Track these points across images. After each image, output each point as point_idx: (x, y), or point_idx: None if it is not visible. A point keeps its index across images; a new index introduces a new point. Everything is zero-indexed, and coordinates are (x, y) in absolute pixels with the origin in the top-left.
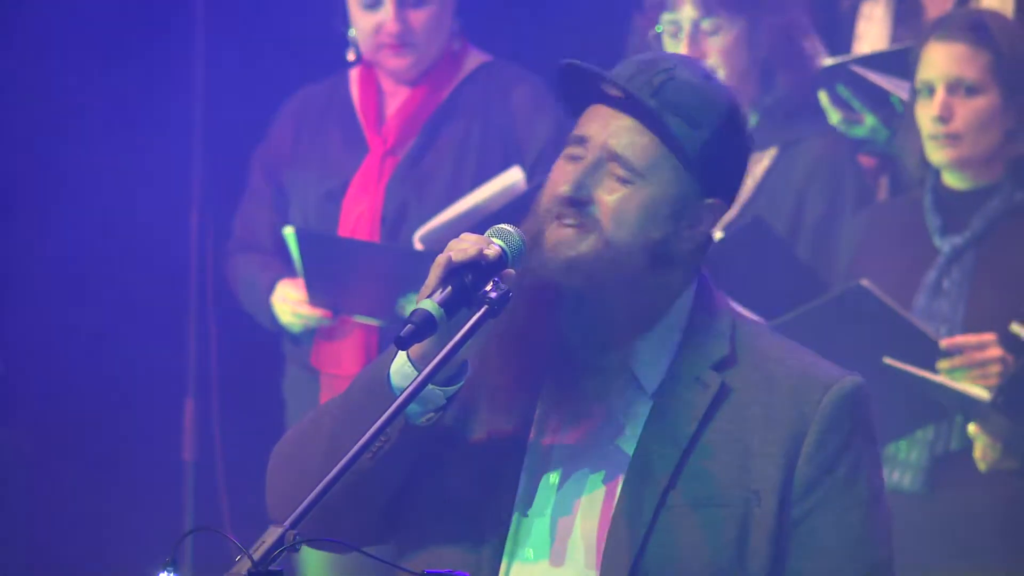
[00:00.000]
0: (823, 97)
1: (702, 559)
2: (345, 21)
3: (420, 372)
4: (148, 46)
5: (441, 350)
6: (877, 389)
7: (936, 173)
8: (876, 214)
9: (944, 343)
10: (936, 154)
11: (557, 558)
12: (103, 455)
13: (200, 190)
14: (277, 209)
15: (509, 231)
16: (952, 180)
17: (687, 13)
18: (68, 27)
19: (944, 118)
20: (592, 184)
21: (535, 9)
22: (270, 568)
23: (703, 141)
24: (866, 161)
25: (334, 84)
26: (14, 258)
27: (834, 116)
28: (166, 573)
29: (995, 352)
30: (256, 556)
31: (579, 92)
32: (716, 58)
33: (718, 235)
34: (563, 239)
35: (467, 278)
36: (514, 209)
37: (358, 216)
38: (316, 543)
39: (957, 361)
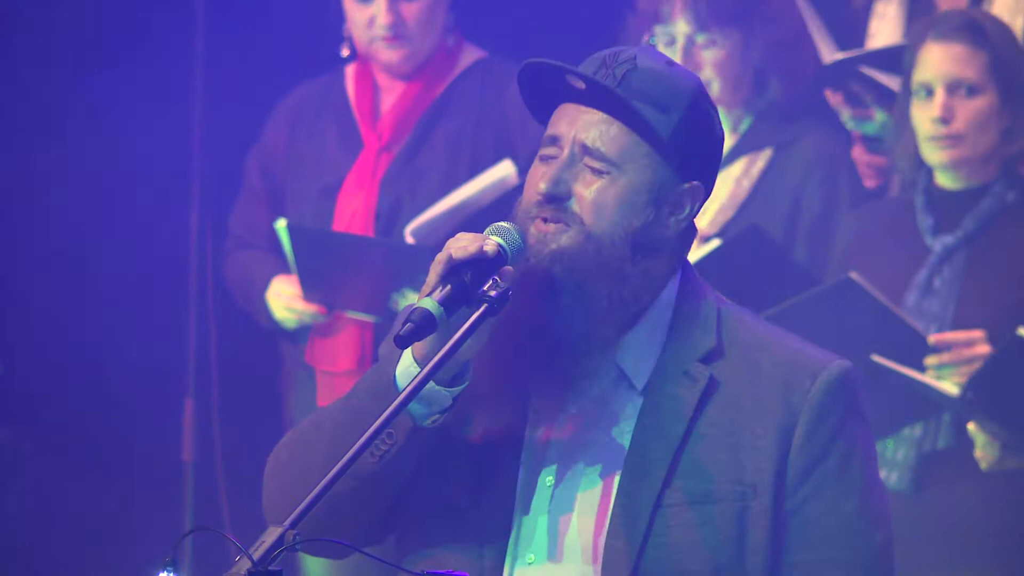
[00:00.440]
0: (831, 94)
1: (702, 557)
2: (340, 17)
3: (428, 375)
4: (148, 45)
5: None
6: (865, 385)
7: (929, 173)
8: (868, 213)
9: (932, 339)
10: (935, 155)
11: (557, 557)
12: (103, 455)
13: (200, 190)
14: (273, 207)
15: (508, 228)
16: (945, 180)
17: (681, 28)
18: (68, 25)
19: (946, 119)
20: (569, 180)
21: (529, 5)
22: (270, 568)
23: (673, 125)
24: (876, 160)
25: (330, 81)
26: (14, 258)
27: (844, 113)
28: (166, 573)
29: (983, 349)
30: (256, 556)
31: (545, 93)
32: (710, 71)
33: (716, 243)
34: (545, 235)
35: (466, 276)
36: (506, 203)
37: (353, 212)
38: (315, 544)
39: (945, 357)
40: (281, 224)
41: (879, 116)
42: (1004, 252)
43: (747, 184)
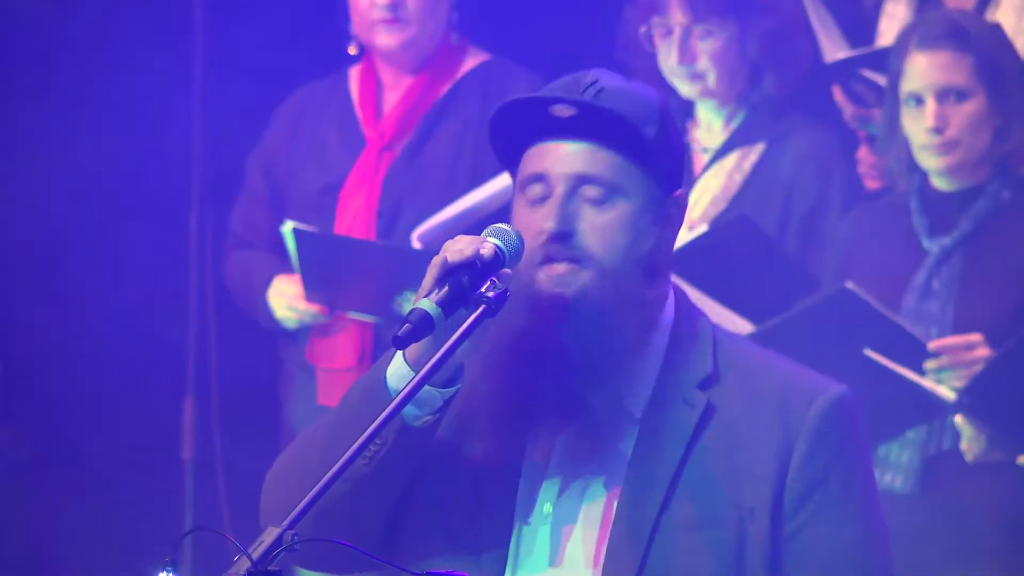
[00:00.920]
0: (836, 91)
1: None
2: (348, 17)
3: (417, 374)
4: (148, 44)
5: (438, 351)
6: (866, 391)
7: (923, 175)
8: (864, 215)
9: (932, 345)
10: (931, 162)
11: (559, 567)
12: (103, 455)
13: (200, 190)
14: (274, 206)
15: (505, 230)
16: (940, 182)
17: (677, 18)
18: (68, 25)
19: (940, 129)
20: (571, 216)
21: (525, 7)
22: (269, 568)
23: (653, 138)
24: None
25: (333, 82)
26: (13, 257)
27: (847, 111)
28: (166, 573)
29: (982, 352)
30: (255, 556)
31: (514, 135)
32: (706, 61)
33: (703, 228)
34: (559, 278)
35: (464, 278)
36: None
37: (355, 211)
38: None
39: (944, 361)
40: (287, 228)
41: (880, 115)
42: (1002, 252)
43: (739, 178)
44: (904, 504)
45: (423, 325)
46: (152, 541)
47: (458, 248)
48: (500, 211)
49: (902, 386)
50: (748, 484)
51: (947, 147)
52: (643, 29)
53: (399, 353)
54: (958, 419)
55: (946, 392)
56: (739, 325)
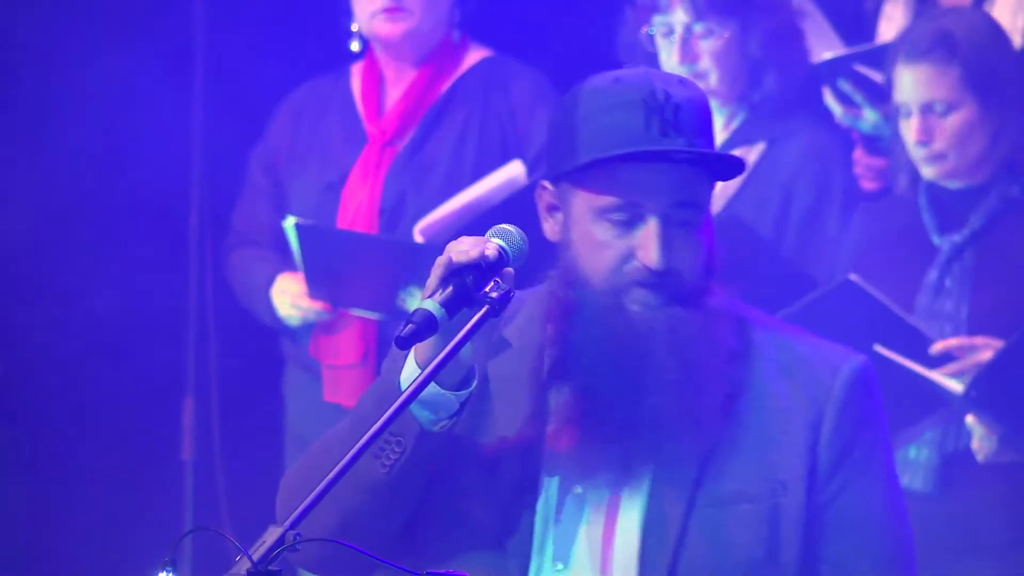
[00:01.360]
0: (826, 92)
1: (736, 556)
2: (349, 16)
3: (429, 376)
4: (148, 42)
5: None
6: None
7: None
8: (873, 212)
9: (933, 349)
10: (925, 170)
11: (588, 568)
12: (103, 455)
13: (200, 190)
14: (276, 204)
15: (510, 230)
16: (946, 182)
17: (679, 17)
18: (68, 24)
19: (924, 141)
20: (668, 247)
21: (525, 4)
22: (269, 568)
23: (712, 142)
24: (875, 162)
25: (335, 79)
26: (13, 257)
27: (836, 110)
28: (166, 573)
29: (988, 353)
30: (255, 556)
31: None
32: (708, 61)
33: None
34: (653, 300)
35: (468, 278)
36: (515, 202)
37: (356, 207)
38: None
39: (953, 368)
40: (289, 223)
41: (869, 115)
42: (1013, 248)
43: (738, 177)
44: (922, 502)
45: (426, 325)
46: (152, 541)
47: (462, 249)
48: (504, 204)
49: (911, 380)
50: (779, 457)
51: (935, 159)
52: (644, 29)
53: (411, 357)
54: (969, 419)
55: (954, 385)
56: None
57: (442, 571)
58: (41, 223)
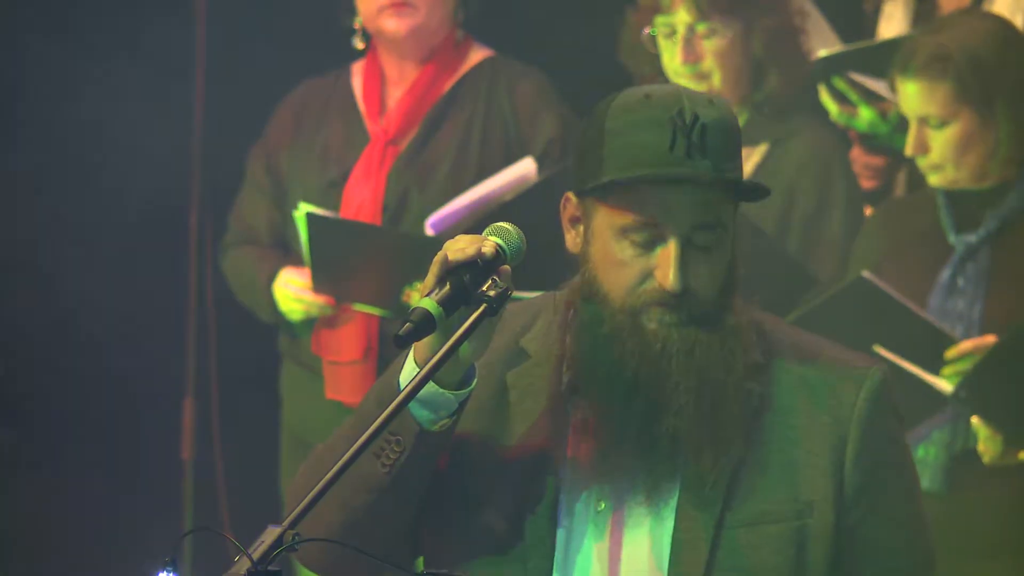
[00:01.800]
0: (821, 89)
1: None
2: (350, 14)
3: (428, 375)
4: (148, 40)
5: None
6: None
7: None
8: (890, 211)
9: (949, 355)
10: (930, 178)
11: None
12: (103, 455)
13: (200, 189)
14: (276, 203)
15: (507, 229)
16: (952, 188)
17: (681, 17)
18: (68, 23)
19: (920, 154)
20: (687, 268)
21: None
22: (269, 568)
23: (741, 166)
24: (873, 160)
25: (336, 77)
26: (13, 257)
27: (832, 108)
28: (166, 573)
29: None
30: (255, 556)
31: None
32: (711, 60)
33: None
34: (671, 319)
35: (465, 277)
36: (525, 199)
37: (359, 204)
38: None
39: (961, 367)
40: (300, 213)
41: (865, 113)
42: None
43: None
44: (931, 501)
45: (424, 324)
46: (152, 541)
47: (459, 247)
48: (516, 200)
49: (911, 383)
50: (805, 477)
51: (932, 168)
52: (646, 30)
53: (411, 356)
54: (974, 420)
55: (944, 386)
56: None
57: (442, 571)
58: (41, 223)
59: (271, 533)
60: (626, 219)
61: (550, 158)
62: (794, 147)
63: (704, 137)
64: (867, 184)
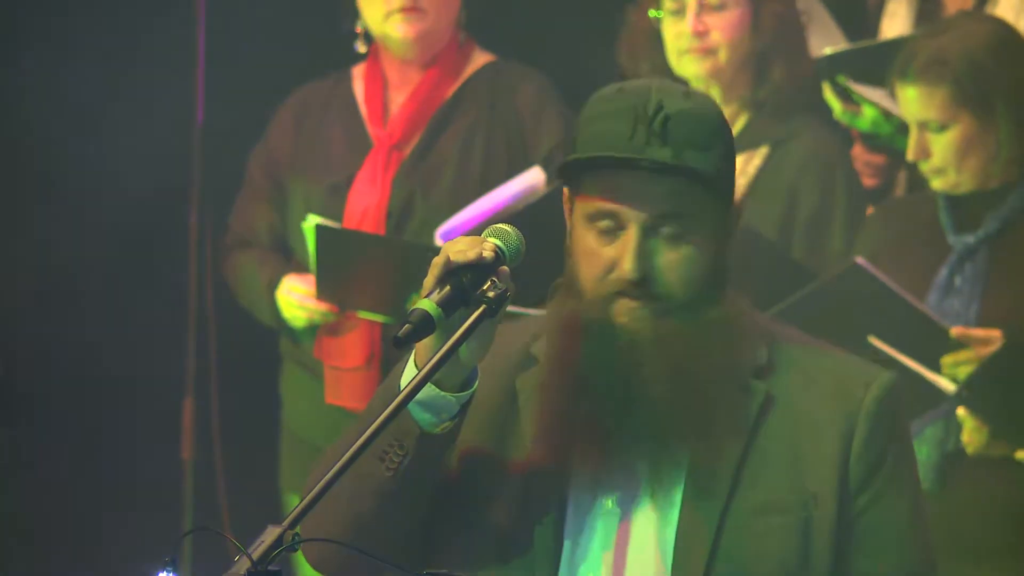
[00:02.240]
0: (825, 87)
1: (769, 569)
2: (352, 18)
3: (427, 376)
4: (147, 40)
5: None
6: None
7: None
8: (891, 210)
9: (955, 332)
10: (932, 183)
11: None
12: (102, 455)
13: (200, 190)
14: (276, 206)
15: (505, 230)
16: (954, 192)
17: None
18: (68, 23)
19: (922, 158)
20: (650, 256)
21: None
22: (269, 568)
23: (718, 157)
24: (874, 158)
25: (336, 81)
26: (12, 257)
27: (835, 107)
28: (166, 573)
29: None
30: (255, 556)
31: (577, 166)
32: (720, 36)
33: None
34: (638, 313)
35: (465, 278)
36: (535, 209)
37: (363, 210)
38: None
39: (962, 356)
40: (310, 224)
41: (868, 111)
42: None
43: (743, 181)
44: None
45: (423, 325)
46: (152, 541)
47: (459, 249)
48: (526, 210)
49: (906, 376)
50: (810, 470)
51: (934, 172)
52: (652, 13)
53: (411, 359)
54: (960, 411)
55: (946, 384)
56: None
57: (442, 571)
58: (40, 223)
59: (271, 533)
60: (591, 207)
61: (554, 162)
62: (795, 149)
63: (667, 126)
64: (868, 182)
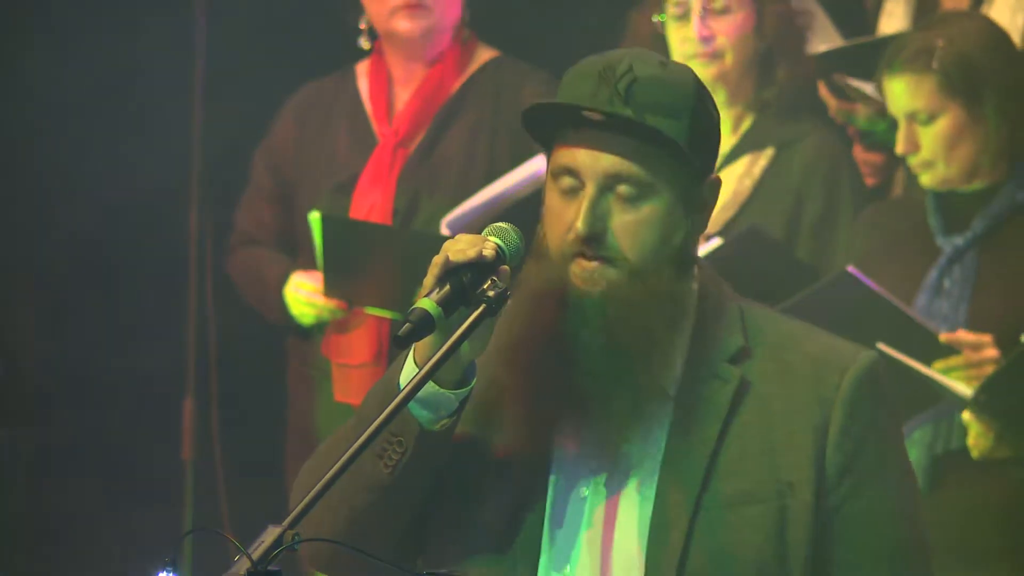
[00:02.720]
0: (820, 85)
1: (744, 558)
2: (356, 14)
3: (427, 376)
4: (147, 40)
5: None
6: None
7: None
8: (878, 213)
9: (944, 337)
10: (921, 178)
11: (589, 571)
12: (103, 455)
13: (200, 190)
14: (281, 205)
15: (505, 229)
16: (942, 188)
17: None
18: (68, 23)
19: (911, 151)
20: (604, 214)
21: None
22: (269, 568)
23: (687, 127)
24: (872, 157)
25: (340, 79)
26: (13, 257)
27: (830, 104)
28: (166, 573)
29: (991, 353)
30: (255, 556)
31: (548, 124)
32: (725, 39)
33: (718, 242)
34: (591, 273)
35: (465, 277)
36: (541, 196)
37: (369, 207)
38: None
39: (953, 361)
40: (315, 216)
41: (864, 109)
42: (1016, 252)
43: (749, 183)
44: None
45: (423, 324)
46: (152, 541)
47: (459, 248)
48: (531, 196)
49: (905, 379)
50: (786, 458)
51: (923, 166)
52: (656, 17)
53: (410, 356)
54: (965, 415)
55: (962, 388)
56: None
57: (442, 571)
58: (41, 223)
59: (271, 533)
60: (554, 166)
61: None
62: (800, 150)
63: (632, 87)
64: (868, 182)
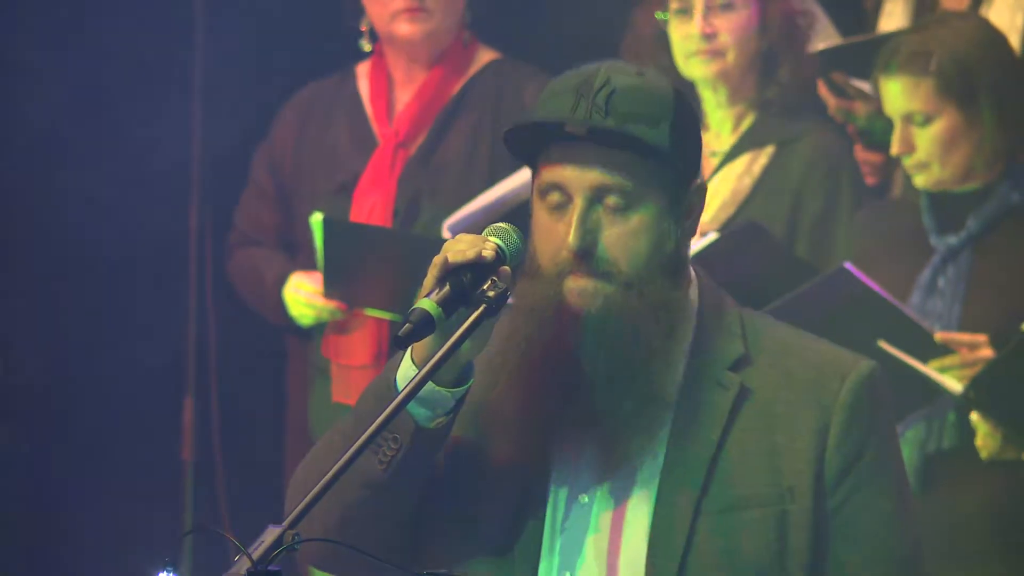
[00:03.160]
0: (820, 84)
1: (745, 563)
2: (357, 16)
3: (427, 376)
4: (147, 39)
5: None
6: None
7: None
8: (875, 213)
9: (939, 336)
10: (915, 179)
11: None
12: (102, 454)
13: (200, 190)
14: (281, 205)
15: (506, 229)
16: (937, 189)
17: None
18: (68, 23)
19: (906, 152)
20: (594, 228)
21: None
22: (269, 568)
23: (668, 134)
24: (872, 157)
25: (340, 80)
26: (13, 257)
27: (830, 103)
28: (166, 573)
29: (986, 352)
30: (255, 556)
31: (530, 143)
32: (728, 37)
33: (713, 234)
34: (583, 291)
35: (465, 277)
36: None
37: (370, 209)
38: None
39: (948, 361)
40: (316, 219)
41: (862, 108)
42: (1009, 252)
43: (749, 181)
44: None
45: (424, 325)
46: (152, 541)
47: (459, 248)
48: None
49: (899, 377)
50: (786, 463)
51: (918, 167)
52: (658, 15)
53: (408, 355)
54: (973, 416)
55: (952, 384)
56: None
57: (442, 571)
58: (40, 223)
59: (271, 533)
60: (541, 181)
61: None
62: (801, 149)
63: (611, 99)
64: (868, 181)
